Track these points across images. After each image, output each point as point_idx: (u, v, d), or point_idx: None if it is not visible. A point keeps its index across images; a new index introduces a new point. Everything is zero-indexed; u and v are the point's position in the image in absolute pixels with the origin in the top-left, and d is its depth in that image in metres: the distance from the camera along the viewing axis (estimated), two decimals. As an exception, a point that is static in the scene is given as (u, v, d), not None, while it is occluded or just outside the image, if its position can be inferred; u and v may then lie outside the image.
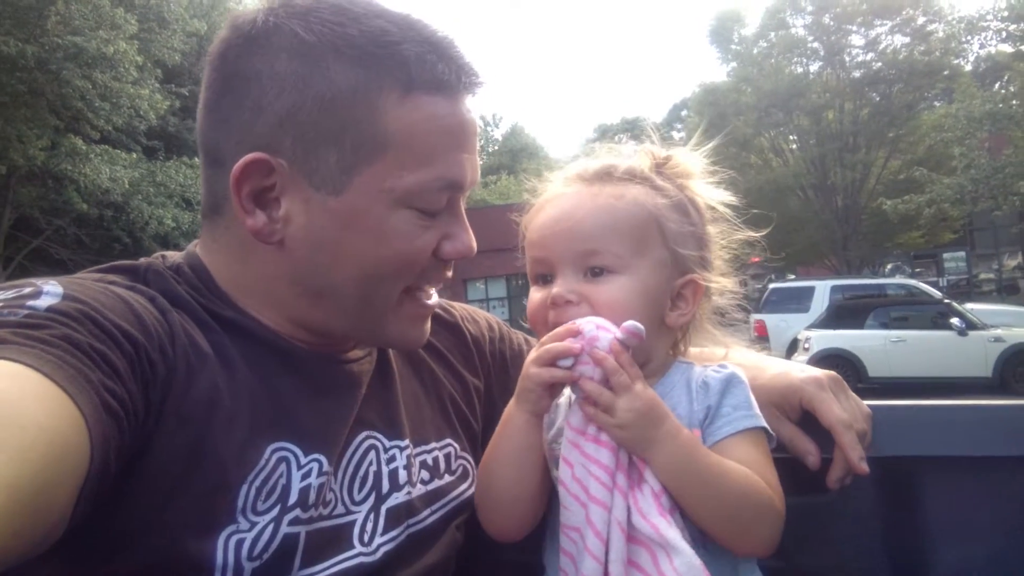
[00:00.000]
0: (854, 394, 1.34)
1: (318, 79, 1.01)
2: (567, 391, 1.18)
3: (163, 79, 24.68)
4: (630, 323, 1.07)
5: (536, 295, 1.23)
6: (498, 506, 1.20)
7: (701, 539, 1.11)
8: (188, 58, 26.04)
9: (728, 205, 1.30)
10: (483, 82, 1.12)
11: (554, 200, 1.25)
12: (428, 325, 1.23)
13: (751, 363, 1.38)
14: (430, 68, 1.04)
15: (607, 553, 1.04)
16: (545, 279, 1.23)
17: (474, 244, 1.17)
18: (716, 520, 1.09)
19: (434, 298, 1.21)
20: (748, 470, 1.11)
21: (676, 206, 1.24)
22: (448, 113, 1.07)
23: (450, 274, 1.20)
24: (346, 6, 1.05)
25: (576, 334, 1.08)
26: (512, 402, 1.17)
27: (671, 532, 1.04)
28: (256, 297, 1.13)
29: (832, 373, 1.34)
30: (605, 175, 1.25)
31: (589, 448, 1.09)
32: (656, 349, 1.24)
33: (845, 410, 1.27)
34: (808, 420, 1.30)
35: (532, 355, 1.13)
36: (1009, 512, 1.38)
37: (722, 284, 1.29)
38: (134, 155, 23.67)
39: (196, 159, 1.26)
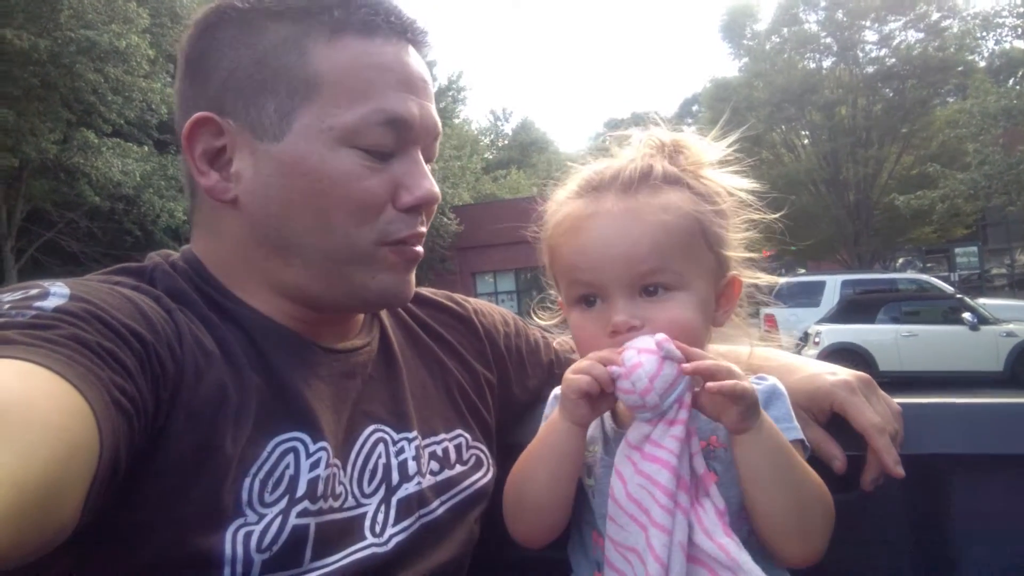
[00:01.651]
0: (884, 394, 1.32)
1: (253, 38, 1.07)
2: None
3: (175, 73, 24.74)
4: (659, 336, 1.06)
5: (583, 320, 1.19)
6: (529, 511, 1.18)
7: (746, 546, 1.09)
8: (199, 52, 26.00)
9: (748, 191, 1.27)
10: (420, 29, 1.16)
11: (596, 218, 1.18)
12: (411, 278, 1.19)
13: (778, 363, 1.37)
14: (355, 11, 1.09)
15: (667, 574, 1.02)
16: (589, 301, 1.18)
17: (435, 189, 1.14)
18: (787, 517, 1.06)
19: (416, 248, 1.17)
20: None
21: (715, 209, 1.21)
22: (381, 52, 1.09)
23: (424, 228, 1.17)
24: None
25: (619, 363, 1.07)
26: (556, 409, 1.15)
27: (743, 555, 1.01)
28: (238, 274, 1.13)
29: (862, 374, 1.31)
30: (642, 182, 1.18)
31: (650, 468, 1.05)
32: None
33: (877, 413, 1.25)
34: (836, 420, 1.28)
35: (573, 366, 1.11)
36: None
37: (760, 277, 1.28)
38: (145, 148, 23.63)
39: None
